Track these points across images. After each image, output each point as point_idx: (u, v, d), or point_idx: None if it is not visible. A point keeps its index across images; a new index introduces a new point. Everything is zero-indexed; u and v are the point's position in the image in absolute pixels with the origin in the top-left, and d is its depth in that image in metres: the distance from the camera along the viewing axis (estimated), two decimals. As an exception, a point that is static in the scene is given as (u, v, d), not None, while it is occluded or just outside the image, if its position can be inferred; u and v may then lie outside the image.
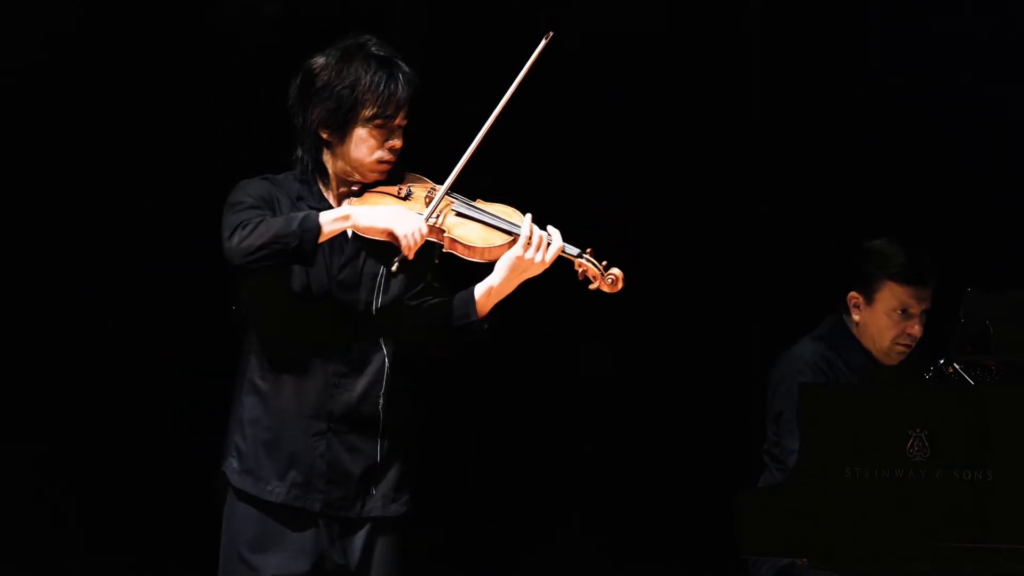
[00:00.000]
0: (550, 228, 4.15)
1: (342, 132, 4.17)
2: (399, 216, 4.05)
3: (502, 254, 4.13)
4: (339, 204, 4.18)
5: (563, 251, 4.13)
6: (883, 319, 5.02)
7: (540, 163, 6.18)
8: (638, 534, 6.20)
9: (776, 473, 5.00)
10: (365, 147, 4.16)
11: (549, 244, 4.12)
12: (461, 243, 4.12)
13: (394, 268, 4.05)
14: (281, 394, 4.16)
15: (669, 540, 6.17)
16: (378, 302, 4.18)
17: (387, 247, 4.10)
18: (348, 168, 4.19)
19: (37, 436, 5.81)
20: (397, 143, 4.18)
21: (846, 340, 5.07)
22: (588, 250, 4.16)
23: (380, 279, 4.18)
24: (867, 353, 5.07)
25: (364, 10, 6.01)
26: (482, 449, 6.18)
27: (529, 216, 4.16)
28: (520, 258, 4.10)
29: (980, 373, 4.73)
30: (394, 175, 4.22)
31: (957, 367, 4.70)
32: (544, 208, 6.17)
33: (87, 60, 5.81)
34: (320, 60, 4.19)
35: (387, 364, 4.17)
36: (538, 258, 4.10)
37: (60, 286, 5.82)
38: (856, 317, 5.07)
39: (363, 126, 4.16)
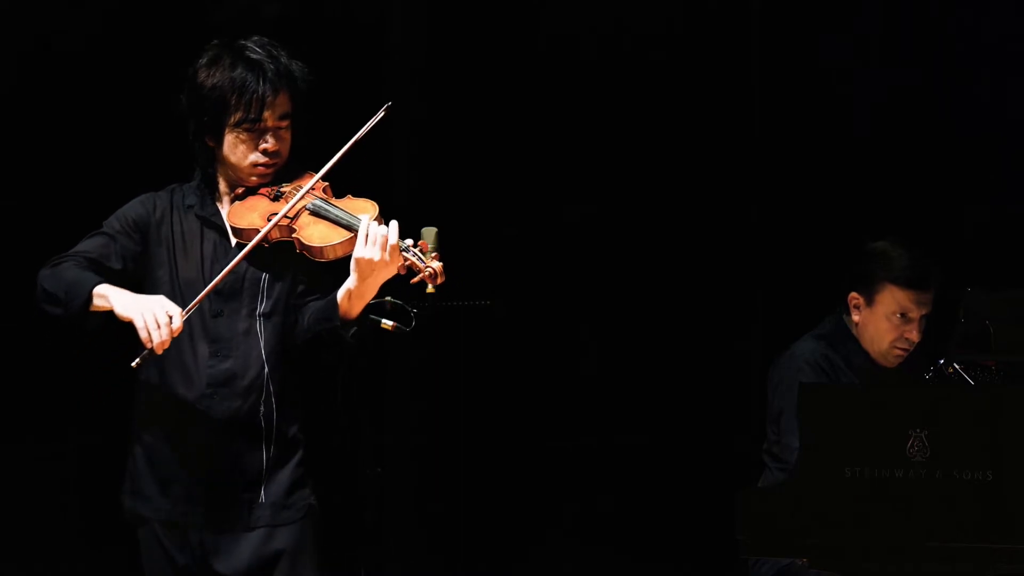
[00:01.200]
0: (391, 223, 4.04)
1: (218, 137, 4.15)
2: (144, 306, 3.97)
3: (344, 252, 4.06)
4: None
5: (399, 247, 4.01)
6: (882, 322, 5.01)
7: (540, 163, 6.18)
8: (638, 534, 6.20)
9: (776, 473, 4.99)
10: (238, 151, 4.14)
11: (387, 241, 3.99)
12: (303, 243, 4.08)
13: (134, 364, 3.99)
14: (162, 408, 4.14)
15: (669, 540, 6.16)
16: (261, 307, 4.15)
17: (272, 253, 4.08)
18: (233, 174, 4.17)
19: (37, 436, 5.81)
20: (271, 145, 4.13)
21: (846, 340, 5.07)
22: (421, 243, 4.04)
23: (263, 284, 4.15)
24: (866, 353, 5.06)
25: (364, 10, 6.01)
26: (480, 449, 6.17)
27: (371, 212, 4.07)
28: (361, 258, 4.00)
29: (980, 373, 4.73)
30: (285, 174, 4.18)
31: (957, 367, 4.70)
32: (544, 208, 6.21)
33: (87, 60, 5.81)
34: (193, 68, 4.18)
35: (266, 371, 4.13)
36: (376, 255, 3.98)
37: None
38: (856, 318, 5.07)
39: (232, 131, 4.13)
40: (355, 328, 4.07)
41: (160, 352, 3.96)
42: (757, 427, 5.23)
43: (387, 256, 3.99)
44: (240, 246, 4.12)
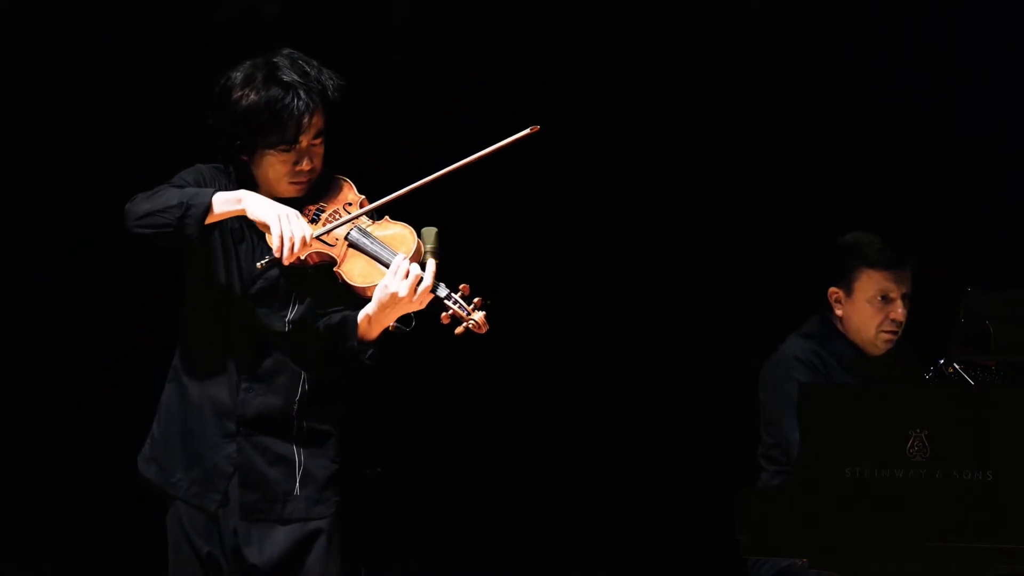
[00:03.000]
0: (429, 264, 4.03)
1: (250, 155, 4.13)
2: (285, 217, 3.99)
3: None
4: None
5: (432, 291, 4.01)
6: (865, 308, 5.03)
7: (540, 162, 6.18)
8: (638, 534, 6.19)
9: (775, 476, 5.00)
10: (273, 171, 4.13)
11: (420, 281, 3.99)
12: (345, 279, 4.07)
13: (259, 265, 4.01)
14: (195, 389, 4.15)
15: (669, 540, 6.16)
16: (290, 315, 4.15)
17: (305, 266, 4.07)
18: (267, 188, 4.15)
19: (36, 436, 5.81)
20: (306, 165, 4.12)
21: (833, 336, 5.07)
22: (462, 287, 4.02)
23: (294, 295, 4.15)
24: (854, 347, 5.07)
25: (364, 10, 6.01)
26: (480, 449, 6.17)
27: (408, 246, 4.06)
28: (387, 289, 4.00)
29: (980, 373, 4.73)
30: (321, 186, 4.17)
31: (957, 367, 4.70)
32: (544, 208, 6.20)
33: (86, 60, 5.81)
34: (226, 85, 4.12)
35: (303, 376, 4.15)
36: (403, 292, 3.97)
37: (60, 285, 5.82)
38: (839, 312, 5.08)
39: (268, 151, 4.11)
40: (371, 350, 4.08)
41: (287, 264, 3.97)
42: (757, 428, 5.23)
43: (415, 297, 3.99)
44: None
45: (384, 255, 4.06)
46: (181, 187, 4.09)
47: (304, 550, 4.15)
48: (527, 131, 4.08)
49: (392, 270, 4.01)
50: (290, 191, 4.15)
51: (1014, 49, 6.05)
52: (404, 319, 4.15)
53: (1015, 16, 6.05)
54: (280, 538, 4.14)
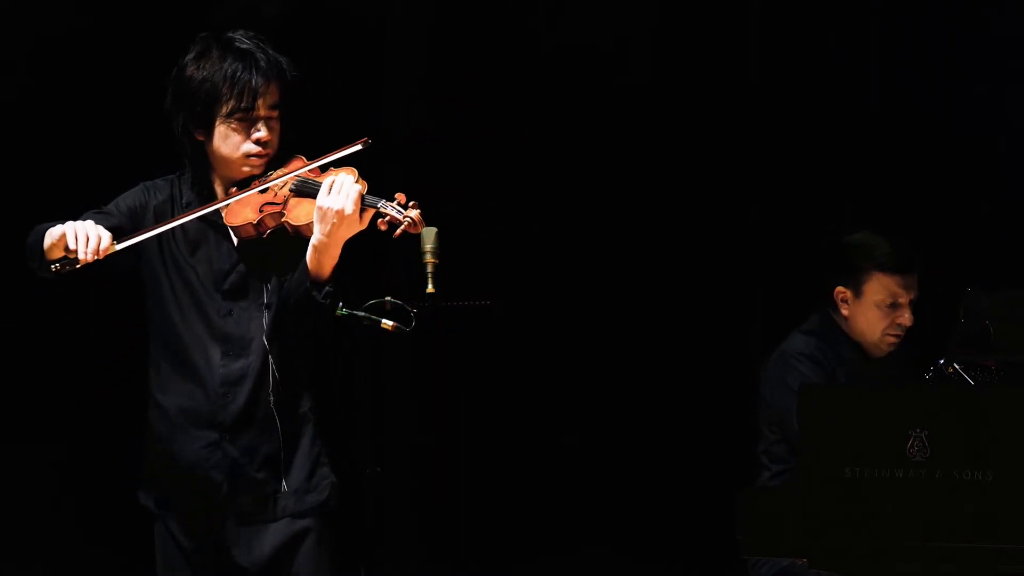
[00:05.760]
0: (362, 182, 4.04)
1: (208, 130, 4.15)
2: (77, 224, 4.01)
3: None
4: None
5: (364, 197, 3.99)
6: (873, 311, 5.02)
7: (540, 162, 6.18)
8: (638, 534, 6.19)
9: (777, 475, 5.00)
10: (230, 142, 4.15)
11: (351, 190, 3.98)
12: (293, 224, 4.07)
13: (54, 268, 4.00)
14: (173, 405, 4.16)
15: (669, 540, 6.16)
16: (265, 299, 4.15)
17: (270, 245, 4.08)
18: (224, 167, 4.16)
19: (37, 436, 5.81)
20: (263, 135, 4.14)
21: (835, 334, 5.07)
22: (398, 195, 4.01)
23: (265, 277, 4.15)
24: (856, 346, 5.07)
25: (364, 10, 6.01)
26: (480, 449, 6.17)
27: (346, 172, 4.07)
28: (323, 208, 3.97)
29: (980, 373, 4.73)
30: (274, 165, 4.17)
31: (957, 367, 4.70)
32: (545, 207, 6.20)
33: (86, 60, 5.81)
34: (181, 63, 4.18)
35: (271, 362, 4.14)
36: (337, 204, 3.96)
37: (59, 285, 5.81)
38: (844, 312, 5.07)
39: (224, 121, 4.13)
40: (327, 288, 4.04)
41: (80, 266, 3.98)
42: (757, 428, 5.23)
43: (349, 204, 3.97)
44: (242, 244, 4.12)
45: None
46: (105, 215, 4.16)
47: (293, 550, 4.14)
48: (359, 145, 4.08)
49: (323, 189, 3.99)
50: (246, 167, 4.16)
51: (1014, 49, 6.06)
52: (404, 319, 4.15)
53: (1015, 16, 6.05)
54: (269, 538, 4.13)
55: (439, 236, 4.11)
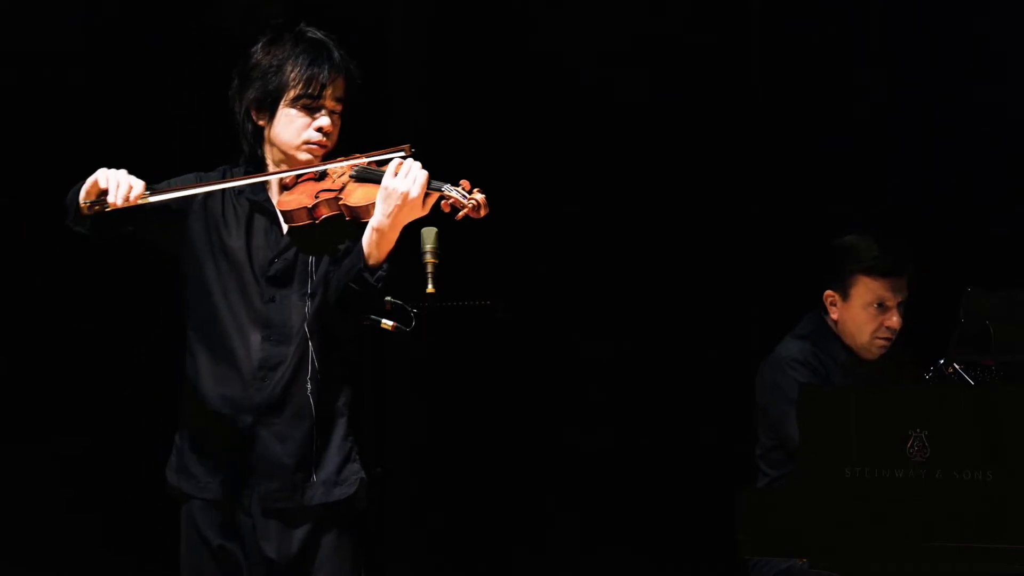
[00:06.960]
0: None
1: (271, 113, 4.17)
2: (111, 170, 4.05)
3: None
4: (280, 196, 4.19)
5: (430, 181, 4.02)
6: (860, 314, 5.02)
7: (540, 162, 6.18)
8: (638, 534, 6.20)
9: (775, 480, 5.00)
10: (293, 127, 4.17)
11: (418, 176, 4.00)
12: (350, 207, 4.07)
13: (83, 205, 4.04)
14: (209, 390, 4.15)
15: (669, 540, 6.17)
16: (309, 288, 4.16)
17: (321, 234, 4.09)
18: (281, 154, 4.18)
19: (36, 436, 5.82)
20: (326, 124, 4.16)
21: (828, 337, 5.08)
22: (463, 182, 4.04)
23: (311, 267, 4.16)
24: (848, 349, 5.07)
25: (364, 11, 6.01)
26: (480, 449, 6.17)
27: (403, 152, 4.09)
28: (389, 189, 3.99)
29: (980, 373, 4.73)
30: (334, 158, 4.19)
31: (957, 367, 4.69)
32: (545, 206, 6.20)
33: (86, 60, 5.81)
34: (251, 50, 4.22)
35: (311, 350, 4.14)
36: (402, 186, 3.98)
37: (60, 285, 5.82)
38: (834, 315, 5.07)
39: (289, 106, 4.16)
40: (380, 272, 4.05)
41: (110, 210, 4.01)
42: (756, 428, 5.23)
43: (416, 188, 3.99)
44: (293, 231, 4.13)
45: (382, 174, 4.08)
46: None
47: (321, 544, 4.14)
48: (402, 152, 4.10)
49: (390, 171, 4.02)
50: (303, 155, 4.18)
51: (1014, 49, 6.06)
52: (404, 319, 4.15)
53: (1015, 16, 6.05)
54: (298, 532, 4.13)
55: (439, 236, 4.11)
